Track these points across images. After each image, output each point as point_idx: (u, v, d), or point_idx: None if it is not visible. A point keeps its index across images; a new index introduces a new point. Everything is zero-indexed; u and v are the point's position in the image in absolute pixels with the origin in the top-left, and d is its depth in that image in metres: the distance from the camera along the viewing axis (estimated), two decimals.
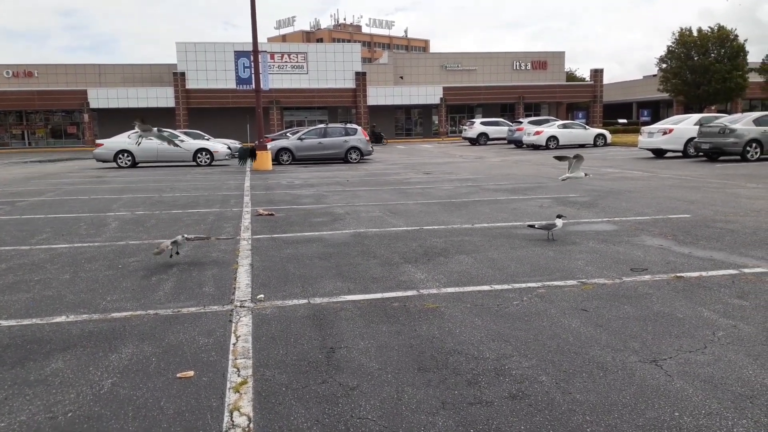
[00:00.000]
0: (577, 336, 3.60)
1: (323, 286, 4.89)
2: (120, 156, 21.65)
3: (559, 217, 6.61)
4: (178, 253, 5.99)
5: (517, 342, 3.53)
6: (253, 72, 21.86)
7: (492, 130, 37.39)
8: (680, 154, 19.89)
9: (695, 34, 45.04)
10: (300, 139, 22.61)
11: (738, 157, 17.47)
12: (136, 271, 5.59)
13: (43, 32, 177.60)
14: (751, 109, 50.79)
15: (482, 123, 38.55)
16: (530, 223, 7.18)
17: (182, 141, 22.28)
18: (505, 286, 4.72)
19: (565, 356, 3.29)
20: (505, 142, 34.55)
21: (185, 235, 6.05)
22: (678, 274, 4.97)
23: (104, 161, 22.06)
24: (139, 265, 5.80)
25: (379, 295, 4.58)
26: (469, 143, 37.87)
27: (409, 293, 4.62)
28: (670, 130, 19.99)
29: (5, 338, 3.84)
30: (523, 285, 4.75)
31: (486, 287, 4.72)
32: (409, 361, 3.28)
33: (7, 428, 2.65)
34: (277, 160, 21.61)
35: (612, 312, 4.04)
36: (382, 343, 3.57)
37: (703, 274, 4.98)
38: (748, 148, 17.28)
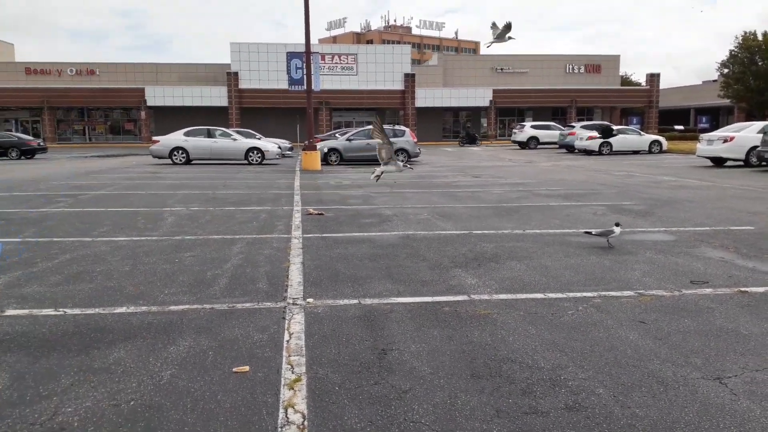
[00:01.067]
0: (635, 349, 3.50)
1: (373, 287, 4.91)
2: (175, 153, 22.31)
3: (617, 225, 6.47)
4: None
5: (572, 352, 3.45)
6: (305, 73, 22.14)
7: (542, 134, 36.81)
8: (741, 163, 19.08)
9: (760, 38, 43.20)
10: (348, 140, 22.80)
11: None
12: (192, 265, 5.74)
13: (103, 32, 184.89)
14: None
15: (532, 126, 38.01)
16: (587, 230, 7.02)
17: (235, 139, 22.81)
18: (560, 295, 4.63)
19: (623, 369, 3.20)
20: (557, 146, 33.92)
21: None
22: (742, 289, 4.76)
23: (160, 157, 22.78)
24: (195, 260, 5.96)
25: (429, 299, 4.57)
26: (518, 147, 37.37)
27: (460, 298, 4.59)
28: (732, 138, 19.20)
29: (71, 326, 4.01)
30: (578, 294, 4.64)
31: (539, 295, 4.64)
32: (461, 367, 3.26)
33: (74, 413, 2.76)
34: (325, 160, 21.86)
35: (672, 325, 3.91)
36: (433, 347, 3.56)
37: None
38: None
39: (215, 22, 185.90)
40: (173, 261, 5.95)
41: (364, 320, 4.07)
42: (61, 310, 4.36)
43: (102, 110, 51.18)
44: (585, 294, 4.65)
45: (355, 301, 4.51)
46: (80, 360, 3.40)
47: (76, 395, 2.95)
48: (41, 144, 29.75)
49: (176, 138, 22.70)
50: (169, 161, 22.49)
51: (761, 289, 4.76)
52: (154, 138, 24.13)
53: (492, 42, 7.58)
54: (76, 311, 4.33)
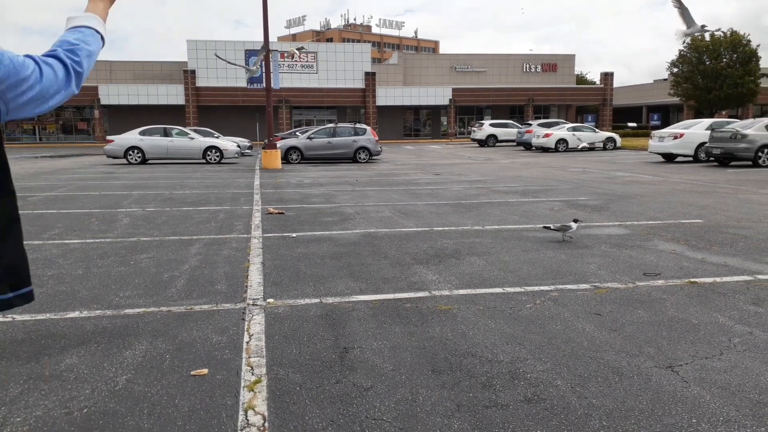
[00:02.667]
0: (591, 340, 3.58)
1: (335, 286, 4.89)
2: (130, 152, 21.75)
3: (575, 221, 6.70)
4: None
5: (531, 345, 3.51)
6: (264, 71, 21.88)
7: (501, 132, 37.32)
8: (691, 158, 19.78)
9: (707, 39, 44.79)
10: (309, 138, 22.65)
11: (750, 163, 17.35)
12: (148, 268, 5.61)
13: (56, 29, 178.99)
14: (763, 114, 50.45)
15: (491, 125, 38.48)
16: (545, 225, 7.17)
17: (192, 138, 22.40)
18: (518, 289, 4.70)
19: (580, 360, 3.28)
20: (514, 144, 34.47)
21: None
22: (692, 280, 4.93)
23: (114, 157, 22.18)
24: (151, 262, 5.82)
25: (391, 296, 4.58)
26: (477, 145, 37.81)
27: (421, 294, 4.61)
28: (681, 135, 19.88)
29: (20, 333, 3.86)
30: (536, 288, 4.73)
31: (498, 290, 4.70)
32: (422, 363, 3.27)
33: (23, 423, 2.66)
34: (286, 158, 21.66)
35: (626, 316, 4.02)
36: (395, 344, 3.57)
37: (718, 279, 4.94)
38: (759, 154, 17.15)
39: (173, 21, 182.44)
40: (128, 263, 5.80)
41: (325, 319, 4.05)
42: (9, 316, 4.19)
43: (53, 109, 49.42)
44: (542, 288, 4.73)
45: (317, 300, 4.48)
46: (30, 368, 3.28)
47: (25, 404, 2.84)
48: None
49: (131, 137, 22.13)
50: (124, 161, 21.92)
51: (710, 280, 4.93)
52: (108, 137, 23.46)
53: (687, 34, 7.45)
54: (26, 317, 4.17)
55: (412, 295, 4.60)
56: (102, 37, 1.55)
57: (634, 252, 6.05)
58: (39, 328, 3.95)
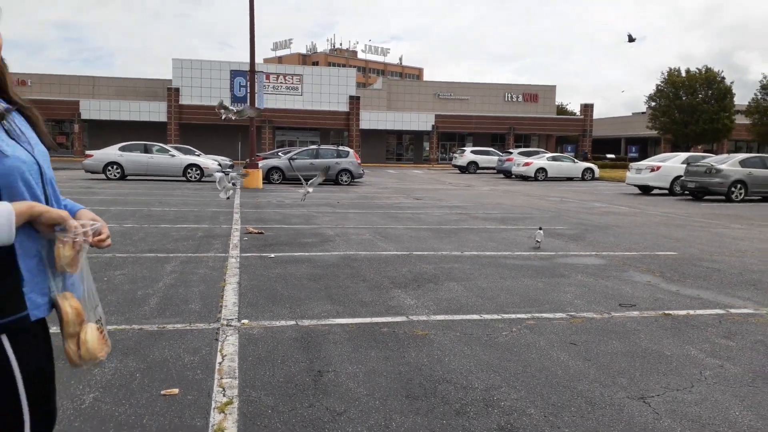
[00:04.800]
0: (565, 369, 3.60)
1: (311, 308, 4.86)
2: (109, 168, 21.53)
3: (540, 228, 8.42)
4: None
5: (506, 373, 3.51)
6: (248, 91, 21.92)
7: (482, 159, 37.70)
8: (666, 191, 20.16)
9: (683, 74, 46.08)
10: (291, 159, 22.65)
11: (723, 197, 17.74)
12: (121, 284, 5.52)
13: (39, 44, 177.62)
14: (737, 150, 51.80)
15: (472, 152, 38.86)
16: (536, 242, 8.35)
17: (173, 155, 22.26)
18: (495, 316, 4.72)
19: (554, 389, 3.28)
20: (495, 171, 34.82)
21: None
22: (666, 312, 4.99)
23: (93, 172, 21.93)
24: (125, 279, 5.73)
25: (368, 320, 4.56)
26: (459, 171, 38.13)
27: (399, 319, 4.60)
28: (658, 168, 20.28)
29: None
30: (513, 315, 4.74)
31: (476, 316, 4.71)
32: (397, 388, 3.25)
33: None
34: (267, 178, 21.62)
35: (600, 347, 4.05)
36: (370, 368, 3.54)
37: (691, 312, 5.01)
38: (733, 189, 17.56)
39: (158, 41, 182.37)
40: (102, 279, 5.70)
41: (300, 342, 4.01)
42: None
43: None
44: (519, 315, 4.75)
45: (293, 323, 4.44)
46: None
47: None
48: None
49: (111, 153, 21.93)
50: (102, 176, 21.68)
51: (683, 312, 5.00)
52: (88, 152, 23.23)
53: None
54: None
55: (389, 319, 4.58)
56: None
57: (610, 282, 6.11)
58: None
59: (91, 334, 1.52)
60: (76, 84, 48.64)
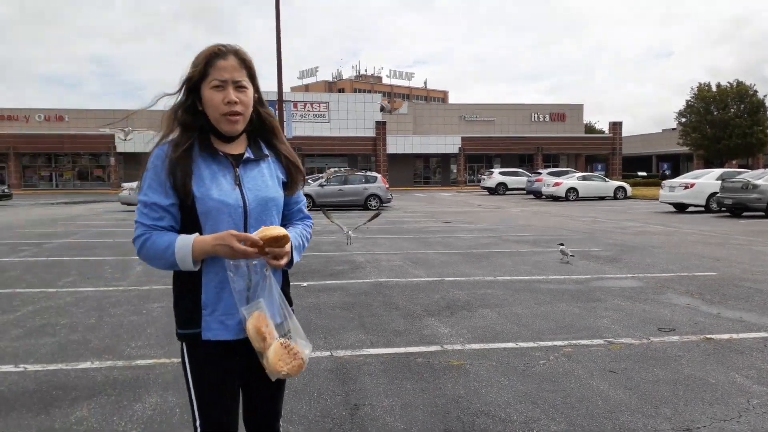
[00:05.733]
0: (606, 399, 3.53)
1: (346, 338, 4.87)
2: None
3: (560, 245, 9.02)
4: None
5: (545, 404, 3.46)
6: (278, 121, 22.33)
7: (511, 180, 37.52)
8: (702, 208, 19.72)
9: (714, 89, 45.32)
10: (321, 185, 22.90)
11: (762, 214, 17.26)
12: (160, 317, 5.62)
13: (75, 78, 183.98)
14: None
15: (501, 173, 38.73)
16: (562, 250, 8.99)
17: None
18: (531, 344, 4.66)
19: (595, 421, 3.22)
20: (524, 192, 34.58)
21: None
22: (707, 336, 4.87)
23: (129, 204, 22.46)
24: (164, 312, 5.84)
25: (402, 350, 4.55)
26: (487, 192, 37.98)
27: (433, 348, 4.58)
28: (692, 185, 19.89)
29: (31, 383, 3.86)
30: (549, 343, 4.68)
31: (511, 344, 4.66)
32: (434, 422, 3.23)
33: None
34: None
35: (641, 374, 3.96)
36: (406, 401, 3.53)
37: (734, 336, 4.87)
38: None
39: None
40: (141, 312, 5.82)
41: (335, 373, 4.02)
42: (21, 366, 4.21)
43: (70, 156, 50.56)
44: (556, 343, 4.68)
45: (327, 353, 4.46)
46: (40, 420, 3.28)
47: None
48: (6, 191, 29.15)
49: None
50: None
51: (726, 336, 4.86)
52: (123, 185, 23.84)
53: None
54: (38, 367, 4.18)
55: (423, 349, 4.57)
56: (176, 263, 1.70)
57: (648, 306, 5.99)
58: (50, 378, 3.96)
59: (272, 350, 1.71)
60: (111, 117, 50.17)
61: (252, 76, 1.80)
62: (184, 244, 1.67)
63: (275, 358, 1.69)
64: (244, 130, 1.83)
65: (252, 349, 1.75)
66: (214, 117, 1.75)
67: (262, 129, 1.89)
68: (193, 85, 1.76)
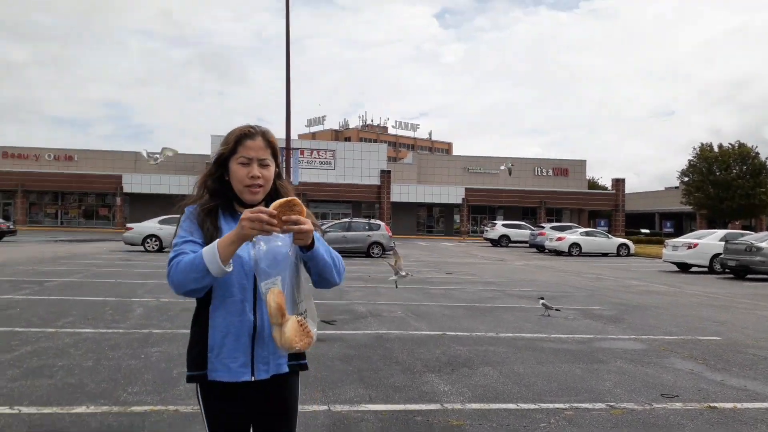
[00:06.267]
0: None
1: (344, 392, 4.81)
2: (148, 240, 22.12)
3: (541, 298, 9.30)
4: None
5: None
6: (284, 167, 22.63)
7: (513, 233, 37.60)
8: (705, 269, 19.66)
9: (716, 149, 45.84)
10: (324, 231, 22.97)
11: (766, 276, 17.19)
12: (158, 362, 5.58)
13: (86, 120, 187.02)
14: None
15: (504, 225, 38.85)
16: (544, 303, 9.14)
17: None
18: (532, 406, 4.59)
19: None
20: (527, 245, 34.59)
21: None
22: (711, 404, 4.79)
23: (132, 244, 22.53)
24: (162, 356, 5.79)
25: (401, 407, 4.49)
26: (490, 244, 38.00)
27: (432, 407, 4.51)
28: (695, 245, 19.90)
29: (24, 427, 3.82)
30: (551, 405, 4.61)
31: (512, 405, 4.59)
32: None
33: None
34: None
35: None
36: None
37: (738, 405, 4.79)
38: None
39: (198, 118, 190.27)
40: (139, 356, 5.77)
41: (332, 429, 3.96)
42: (16, 408, 4.16)
43: (76, 195, 51.05)
44: (557, 405, 4.62)
45: (325, 407, 4.40)
46: None
47: None
48: (10, 227, 29.24)
49: (150, 225, 22.59)
50: (141, 248, 22.24)
51: (730, 405, 4.79)
52: (128, 225, 23.97)
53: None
54: (32, 410, 4.14)
55: (423, 407, 4.50)
56: (206, 268, 1.77)
57: (651, 369, 5.92)
58: (44, 422, 3.91)
59: (289, 326, 1.81)
60: (120, 159, 50.96)
61: (275, 155, 2.02)
62: (210, 246, 1.79)
63: (292, 333, 1.80)
64: (263, 200, 2.02)
65: (255, 393, 1.93)
66: (238, 188, 1.98)
67: (278, 198, 2.03)
68: (223, 159, 1.99)
